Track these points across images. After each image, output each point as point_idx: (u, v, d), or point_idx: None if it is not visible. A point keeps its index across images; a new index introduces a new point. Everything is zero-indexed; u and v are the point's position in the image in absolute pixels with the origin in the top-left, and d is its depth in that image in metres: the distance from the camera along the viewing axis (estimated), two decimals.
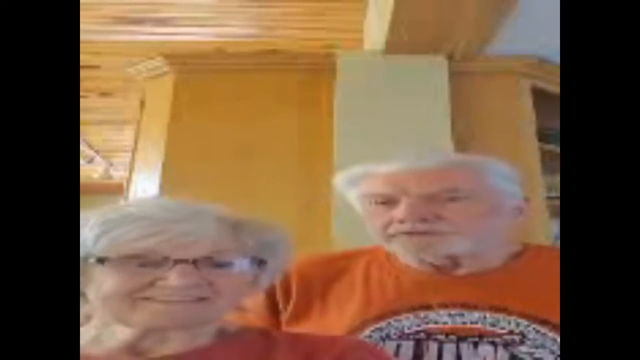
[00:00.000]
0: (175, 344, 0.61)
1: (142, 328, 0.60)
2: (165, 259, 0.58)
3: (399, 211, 0.78)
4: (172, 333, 0.61)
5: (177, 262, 0.58)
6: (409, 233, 0.78)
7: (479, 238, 0.79)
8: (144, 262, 0.58)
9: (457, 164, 0.81)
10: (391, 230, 0.80)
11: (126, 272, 0.58)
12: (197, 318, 0.61)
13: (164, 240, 0.59)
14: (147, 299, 0.58)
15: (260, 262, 0.66)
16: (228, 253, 0.63)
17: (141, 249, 0.58)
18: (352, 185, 0.87)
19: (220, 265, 0.61)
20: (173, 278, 0.58)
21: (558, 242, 1.86)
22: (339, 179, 0.89)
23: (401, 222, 0.78)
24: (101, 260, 0.58)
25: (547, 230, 1.79)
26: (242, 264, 0.63)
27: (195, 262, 0.59)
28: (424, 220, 0.77)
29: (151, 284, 0.58)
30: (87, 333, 0.63)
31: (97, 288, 0.59)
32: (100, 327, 0.63)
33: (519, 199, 0.85)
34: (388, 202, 0.80)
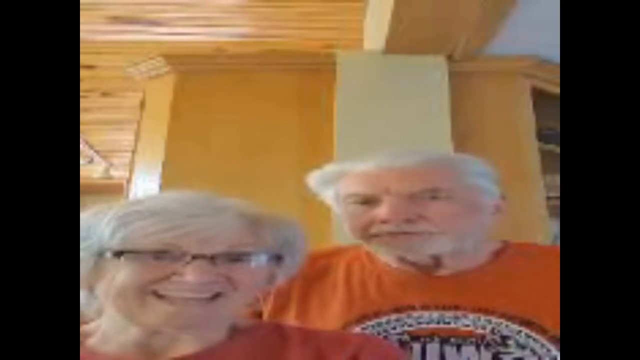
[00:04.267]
0: (189, 342, 0.60)
1: (154, 327, 0.59)
2: (183, 253, 0.57)
3: (382, 211, 0.76)
4: (185, 331, 0.60)
5: (195, 257, 0.57)
6: (393, 233, 0.77)
7: (460, 237, 0.78)
8: (161, 256, 0.57)
9: (437, 163, 0.80)
10: (373, 230, 0.78)
11: (142, 265, 0.57)
12: (212, 316, 0.60)
13: (183, 234, 0.57)
14: (158, 294, 0.57)
15: (278, 258, 0.65)
16: (248, 248, 0.61)
17: (160, 243, 0.57)
18: (327, 184, 0.86)
19: (237, 259, 0.60)
20: (189, 273, 0.56)
21: (558, 242, 1.87)
22: (313, 179, 0.87)
23: (384, 222, 0.76)
24: (118, 254, 0.57)
25: (547, 230, 1.79)
26: (259, 259, 0.62)
27: (213, 257, 0.58)
28: (408, 220, 0.76)
29: (166, 278, 0.57)
30: (97, 330, 0.63)
31: (109, 282, 0.58)
32: (110, 324, 0.62)
33: (497, 197, 0.84)
34: (368, 201, 0.79)
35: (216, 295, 0.59)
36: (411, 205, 0.76)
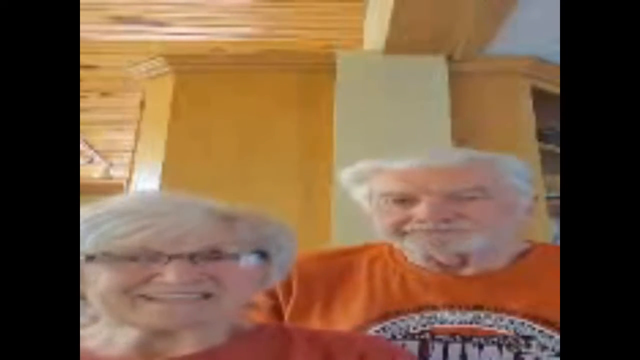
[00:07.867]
0: (188, 344, 0.59)
1: (148, 329, 0.58)
2: (159, 254, 0.56)
3: (421, 211, 0.76)
4: (182, 333, 0.59)
5: (172, 257, 0.56)
6: (429, 231, 0.77)
7: (494, 235, 0.78)
8: (137, 257, 0.56)
9: (478, 162, 0.80)
10: (407, 227, 0.78)
11: (118, 268, 0.56)
12: (202, 317, 0.59)
13: (153, 234, 0.56)
14: (146, 297, 0.56)
15: (263, 255, 0.63)
16: (227, 246, 0.60)
17: (132, 244, 0.56)
18: (361, 181, 0.85)
19: (221, 258, 0.59)
20: (169, 274, 0.55)
21: (558, 242, 1.86)
22: (345, 175, 0.87)
23: (422, 221, 0.77)
24: (90, 258, 0.56)
25: (547, 230, 1.79)
26: (246, 258, 0.61)
27: (191, 256, 0.57)
28: (446, 220, 0.76)
29: (147, 281, 0.56)
30: (98, 334, 0.62)
31: (94, 287, 0.57)
32: (110, 328, 0.61)
33: (531, 198, 0.84)
34: (405, 200, 0.78)
35: (207, 296, 0.58)
36: (450, 205, 0.76)
